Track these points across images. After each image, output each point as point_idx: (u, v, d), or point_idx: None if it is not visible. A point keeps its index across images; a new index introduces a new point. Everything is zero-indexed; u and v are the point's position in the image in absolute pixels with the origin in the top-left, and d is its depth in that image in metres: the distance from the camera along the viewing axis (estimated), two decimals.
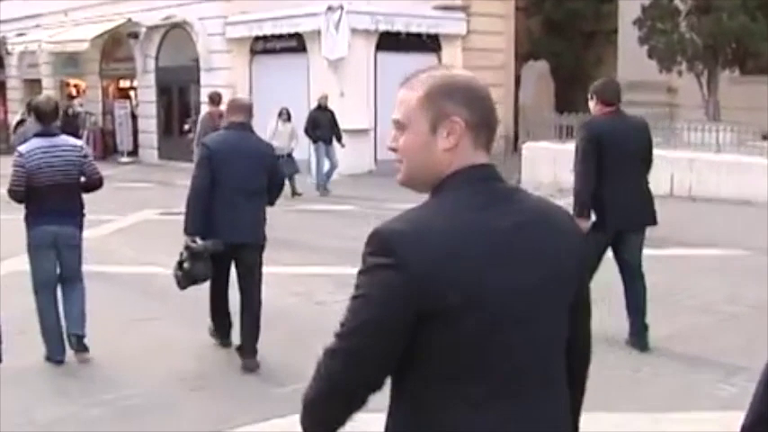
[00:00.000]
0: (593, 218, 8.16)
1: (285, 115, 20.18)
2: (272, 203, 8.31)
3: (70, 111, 28.00)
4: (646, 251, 12.62)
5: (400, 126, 2.44)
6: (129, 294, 10.68)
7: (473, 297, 2.25)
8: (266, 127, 19.84)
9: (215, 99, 15.81)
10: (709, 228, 14.92)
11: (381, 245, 2.28)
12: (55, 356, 7.99)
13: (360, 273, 2.33)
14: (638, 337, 8.22)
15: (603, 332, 8.43)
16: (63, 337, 8.10)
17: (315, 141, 20.87)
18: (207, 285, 8.28)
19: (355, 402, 2.38)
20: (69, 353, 8.11)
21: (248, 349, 7.90)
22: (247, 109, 8.27)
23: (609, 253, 8.99)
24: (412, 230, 2.28)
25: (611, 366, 7.60)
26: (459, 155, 2.38)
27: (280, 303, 9.63)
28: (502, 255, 2.31)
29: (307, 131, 20.80)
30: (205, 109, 17.63)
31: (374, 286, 2.29)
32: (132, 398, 7.15)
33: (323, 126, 20.72)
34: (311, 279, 11.25)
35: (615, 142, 8.03)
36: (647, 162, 8.35)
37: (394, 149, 2.48)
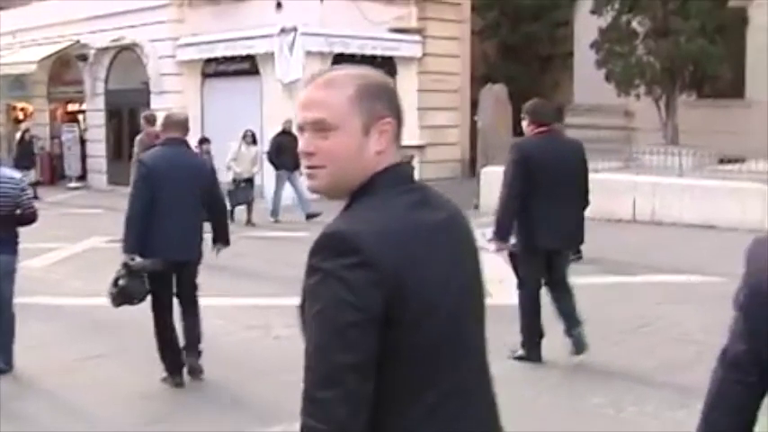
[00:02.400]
0: (513, 240, 8.22)
1: (250, 138, 19.51)
2: (222, 238, 8.30)
3: (27, 136, 27.32)
4: (615, 279, 12.41)
5: (327, 127, 2.26)
6: (74, 329, 10.08)
7: (432, 300, 2.18)
8: (227, 150, 19.40)
9: (150, 120, 15.85)
10: (676, 253, 14.55)
11: (342, 245, 2.11)
12: None
13: (315, 285, 2.12)
14: (576, 337, 8.23)
15: (583, 365, 8.10)
16: None
17: (277, 168, 19.90)
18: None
19: None
20: (9, 408, 7.51)
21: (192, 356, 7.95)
22: (183, 125, 8.14)
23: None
24: (371, 231, 2.14)
25: (594, 406, 7.19)
26: (387, 156, 2.30)
27: (237, 338, 9.15)
28: (447, 255, 2.27)
29: (270, 157, 19.91)
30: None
31: (340, 292, 2.08)
32: None
33: (287, 152, 19.80)
34: (266, 311, 10.66)
35: (545, 163, 8.02)
36: (581, 184, 8.37)
37: (312, 154, 2.28)
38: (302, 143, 2.30)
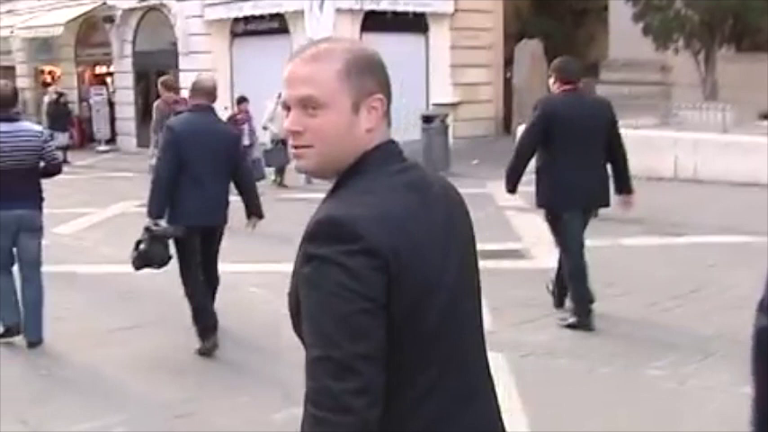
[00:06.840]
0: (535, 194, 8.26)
1: None
2: (255, 211, 8.22)
3: (62, 99, 27.16)
4: (661, 240, 12.01)
5: (315, 105, 2.16)
6: (105, 299, 9.82)
7: (433, 281, 2.13)
8: (263, 110, 19.11)
9: (167, 85, 15.27)
10: (720, 212, 14.10)
11: (339, 231, 2.03)
12: (7, 321, 7.96)
13: (312, 272, 2.01)
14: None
15: (638, 333, 7.74)
16: (19, 305, 7.99)
17: None
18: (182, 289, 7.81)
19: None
20: (37, 384, 7.23)
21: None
22: (210, 91, 8.09)
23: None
24: (369, 216, 2.06)
25: (654, 378, 6.82)
26: (378, 134, 2.22)
27: (273, 307, 8.84)
28: (444, 234, 2.22)
29: None
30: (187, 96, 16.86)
31: (342, 279, 1.98)
32: (112, 427, 6.18)
33: None
34: None
35: (571, 121, 7.95)
36: (610, 142, 8.15)
37: (299, 132, 2.18)
38: (288, 121, 2.19)
